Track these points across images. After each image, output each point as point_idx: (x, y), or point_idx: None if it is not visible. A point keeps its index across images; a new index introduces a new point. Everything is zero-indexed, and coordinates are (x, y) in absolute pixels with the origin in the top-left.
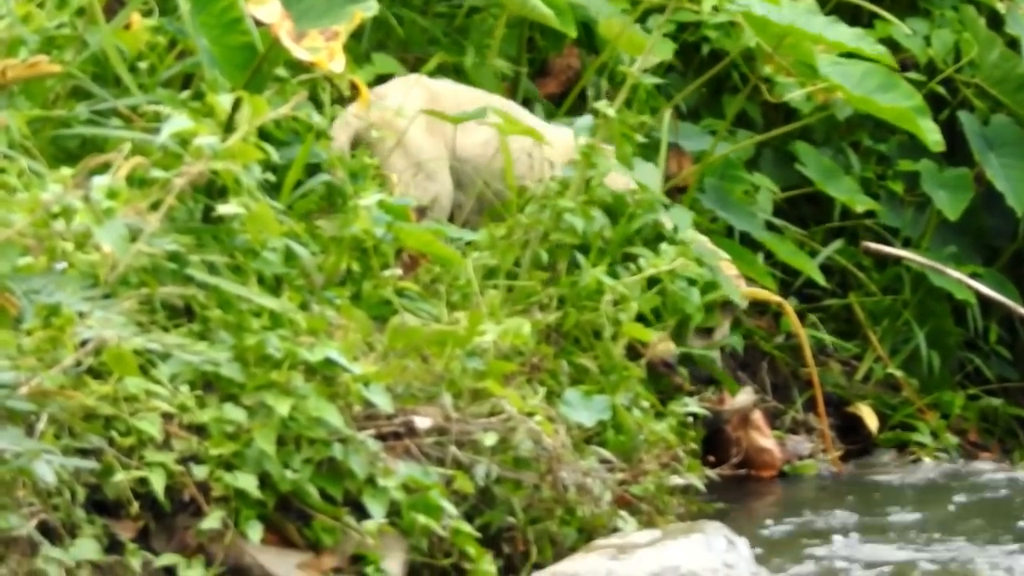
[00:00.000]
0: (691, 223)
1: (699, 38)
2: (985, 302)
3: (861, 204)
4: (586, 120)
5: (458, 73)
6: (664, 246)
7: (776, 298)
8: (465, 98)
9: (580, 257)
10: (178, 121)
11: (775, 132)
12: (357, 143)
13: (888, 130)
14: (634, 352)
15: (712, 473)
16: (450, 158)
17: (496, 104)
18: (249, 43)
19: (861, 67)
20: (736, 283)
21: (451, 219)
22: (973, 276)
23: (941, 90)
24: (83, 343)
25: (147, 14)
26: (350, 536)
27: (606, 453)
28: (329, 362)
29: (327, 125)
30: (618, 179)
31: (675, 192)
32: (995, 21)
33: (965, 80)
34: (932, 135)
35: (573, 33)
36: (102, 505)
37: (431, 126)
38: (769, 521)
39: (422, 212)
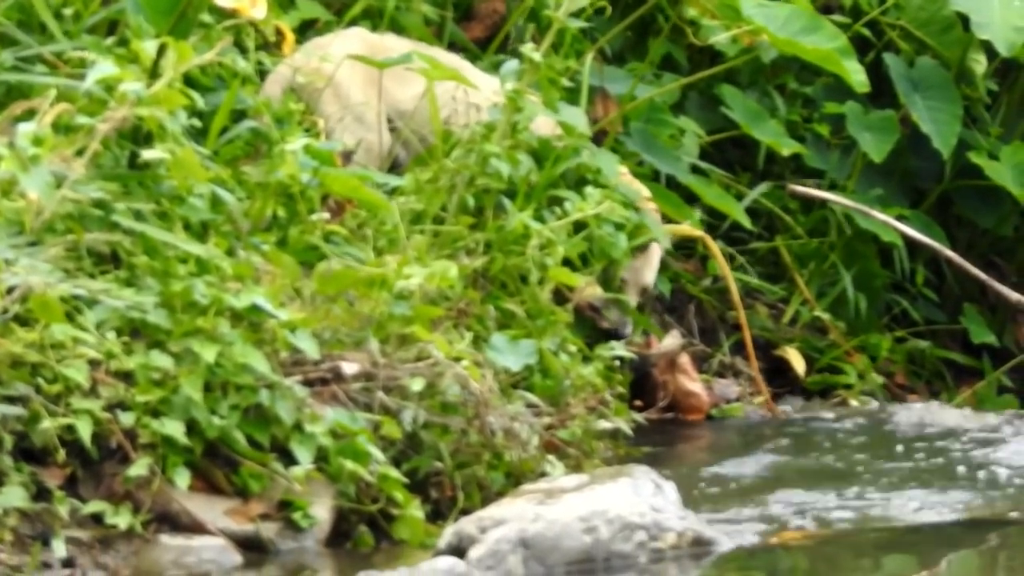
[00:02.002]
0: (617, 167)
1: None
2: (912, 244)
3: (787, 147)
4: (512, 65)
5: (381, 18)
6: (589, 189)
7: (699, 233)
8: (397, 45)
9: (506, 202)
10: (103, 67)
11: (700, 75)
12: (296, 90)
13: (814, 72)
14: (561, 296)
15: (639, 417)
16: (387, 109)
17: (433, 56)
18: None
19: (785, 9)
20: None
21: (380, 167)
22: (899, 218)
23: (866, 32)
24: (9, 290)
25: None
26: (277, 482)
27: (533, 398)
28: (255, 308)
29: (252, 71)
30: (545, 124)
31: (601, 136)
32: None
33: (890, 22)
34: (857, 76)
35: None
36: (29, 453)
37: (366, 76)
38: (697, 464)
39: (348, 157)
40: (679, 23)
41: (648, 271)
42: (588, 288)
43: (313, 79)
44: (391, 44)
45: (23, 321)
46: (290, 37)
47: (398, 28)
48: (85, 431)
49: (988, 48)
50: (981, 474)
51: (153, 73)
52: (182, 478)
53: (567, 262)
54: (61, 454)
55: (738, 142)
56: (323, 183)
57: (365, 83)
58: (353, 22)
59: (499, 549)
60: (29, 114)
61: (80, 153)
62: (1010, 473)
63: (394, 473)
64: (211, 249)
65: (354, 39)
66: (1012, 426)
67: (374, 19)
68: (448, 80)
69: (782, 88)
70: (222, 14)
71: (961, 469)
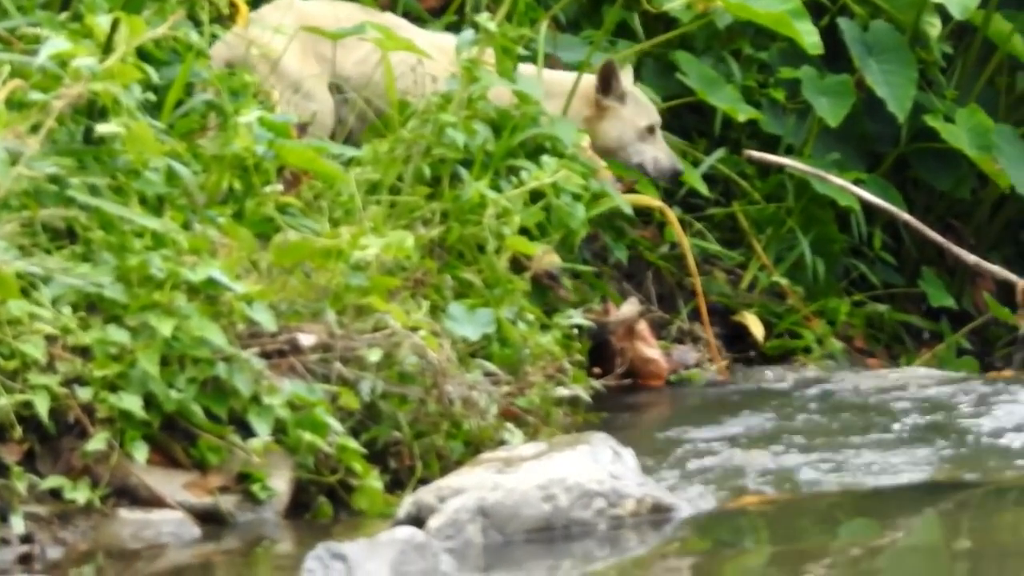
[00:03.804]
0: (575, 136)
1: None
2: (869, 208)
3: (743, 113)
4: (467, 34)
5: None
6: (546, 159)
7: (657, 203)
8: (343, 14)
9: (463, 171)
10: (56, 43)
11: (655, 41)
12: (235, 65)
13: (769, 37)
14: (518, 265)
15: (598, 384)
16: (331, 76)
17: (376, 19)
18: None
19: None
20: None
21: (334, 137)
22: (856, 182)
23: None
24: None
25: None
26: (236, 455)
27: (491, 366)
28: (212, 281)
29: (206, 44)
30: (503, 93)
31: None
32: None
33: None
34: (810, 38)
35: None
36: None
37: (305, 47)
38: (656, 431)
39: (303, 129)
40: None
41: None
42: (545, 256)
43: (264, 49)
44: (326, 10)
45: None
46: (244, 9)
47: None
48: (42, 406)
49: (942, 11)
50: (940, 437)
51: (107, 48)
52: (140, 452)
53: (524, 231)
54: (18, 430)
55: (694, 108)
56: (278, 155)
57: (303, 53)
58: None
59: (458, 518)
60: None
61: (35, 129)
62: (971, 436)
63: (352, 444)
64: (167, 223)
65: (287, 11)
66: (969, 387)
67: None
68: (402, 50)
69: (737, 54)
70: None
71: (921, 432)
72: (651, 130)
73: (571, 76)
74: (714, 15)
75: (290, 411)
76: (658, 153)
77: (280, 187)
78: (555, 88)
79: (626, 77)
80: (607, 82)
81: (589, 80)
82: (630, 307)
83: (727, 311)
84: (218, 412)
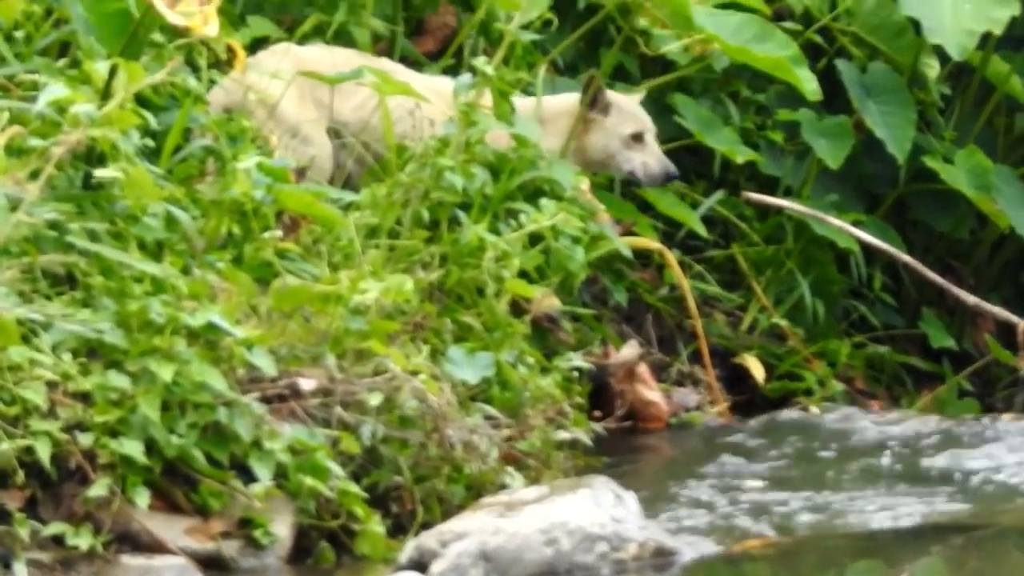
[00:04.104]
0: (574, 179)
1: None
2: (868, 249)
3: (741, 155)
4: (465, 78)
5: (338, 36)
6: (545, 201)
7: (656, 245)
8: (340, 60)
9: (461, 215)
10: (55, 89)
11: (652, 83)
12: (233, 110)
13: (766, 80)
14: (518, 309)
15: (598, 427)
16: (328, 121)
17: (372, 64)
18: (124, 9)
19: (736, 17)
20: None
21: (332, 182)
22: (855, 224)
23: (818, 39)
24: None
25: None
26: (237, 500)
27: (492, 410)
28: (212, 326)
29: (204, 89)
30: (500, 136)
31: None
32: None
33: (842, 28)
34: (809, 84)
35: None
36: None
37: (303, 92)
38: (657, 474)
39: (301, 174)
40: (630, 33)
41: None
42: (545, 300)
43: (262, 95)
44: (322, 55)
45: None
46: (241, 55)
47: (349, 43)
48: (44, 452)
49: (940, 52)
50: (941, 478)
51: (105, 94)
52: (142, 498)
53: (524, 275)
54: (20, 476)
55: (692, 150)
56: (277, 200)
57: (300, 98)
58: (305, 39)
59: (460, 563)
60: None
61: (34, 175)
62: (971, 478)
63: (354, 488)
64: (166, 268)
65: (284, 56)
66: (968, 429)
67: (325, 35)
68: (399, 94)
69: (735, 96)
70: (174, 33)
71: (922, 473)
72: (638, 137)
73: (563, 99)
74: (711, 58)
75: (291, 456)
76: (647, 159)
77: (279, 232)
78: (549, 112)
79: (629, 97)
80: (592, 96)
81: (572, 98)
82: (630, 350)
83: (727, 353)
84: (219, 457)
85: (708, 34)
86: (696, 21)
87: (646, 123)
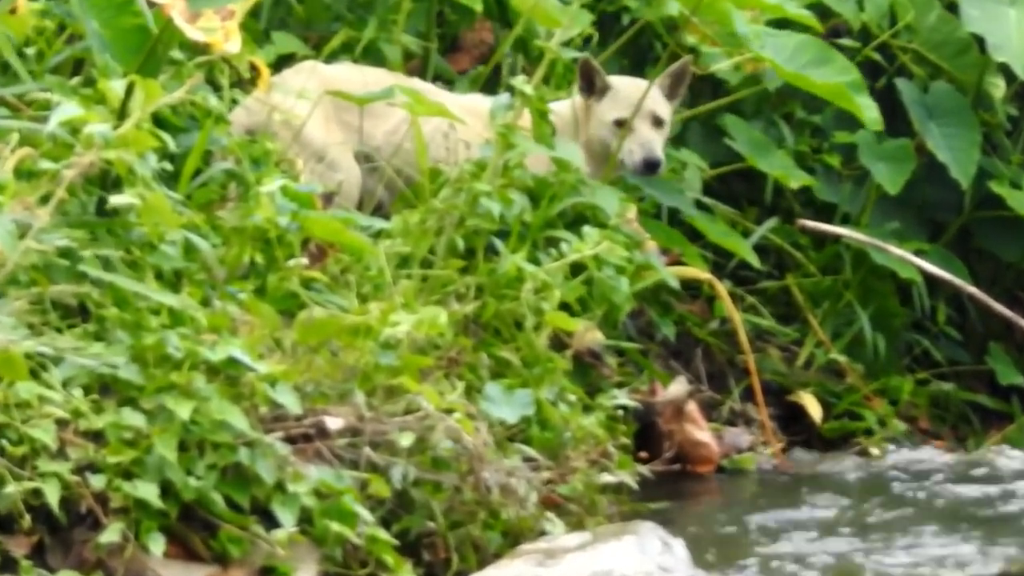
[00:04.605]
0: (618, 205)
1: (618, 7)
2: (931, 280)
3: (796, 179)
4: (503, 98)
5: (368, 54)
6: (587, 229)
7: (706, 275)
8: (371, 80)
9: (498, 243)
10: (68, 108)
11: (702, 106)
12: (255, 131)
13: (822, 100)
14: (559, 343)
15: (645, 470)
16: (357, 145)
17: (403, 83)
18: (141, 25)
19: (793, 40)
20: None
21: (361, 208)
22: (917, 253)
23: (877, 57)
24: None
25: None
26: (259, 546)
27: (531, 451)
28: (232, 361)
29: (226, 109)
30: (540, 160)
31: None
32: None
33: (902, 45)
34: (869, 112)
35: (479, 7)
36: None
37: (329, 114)
38: (707, 520)
39: (328, 199)
40: (677, 50)
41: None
42: (588, 333)
43: (287, 115)
44: (350, 74)
45: None
46: (265, 73)
47: (379, 61)
48: (53, 495)
49: (1006, 71)
50: (1011, 526)
51: (121, 114)
52: (157, 544)
53: (565, 307)
54: (27, 520)
55: (744, 175)
56: (303, 227)
57: (326, 121)
58: (332, 56)
59: None
60: None
61: (45, 200)
62: None
63: (383, 534)
64: (185, 299)
65: (310, 75)
66: None
67: (354, 52)
68: (433, 115)
69: (789, 117)
70: (194, 50)
71: (991, 521)
72: (625, 123)
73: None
74: (764, 78)
75: (316, 500)
76: (632, 145)
77: (305, 261)
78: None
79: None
80: (588, 81)
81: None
82: (678, 387)
83: (782, 391)
84: (240, 501)
85: (763, 57)
86: (751, 44)
87: (643, 107)
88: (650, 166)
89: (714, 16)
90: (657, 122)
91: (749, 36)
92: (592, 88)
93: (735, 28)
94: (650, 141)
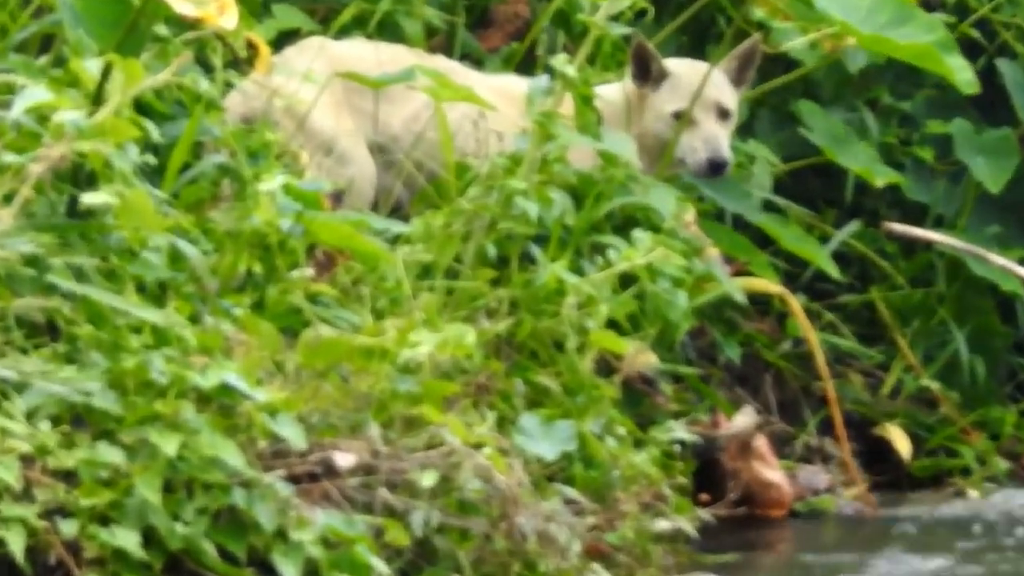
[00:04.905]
0: (676, 206)
1: None
2: None
3: (881, 176)
4: (541, 81)
5: (384, 29)
6: (639, 234)
7: (777, 288)
8: (387, 58)
9: (536, 250)
10: (35, 93)
11: (771, 86)
12: (253, 120)
13: (912, 84)
14: (606, 367)
15: (706, 514)
16: (371, 135)
17: (425, 63)
18: None
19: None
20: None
21: (376, 209)
22: (1022, 262)
23: (975, 34)
24: None
25: None
26: None
27: (573, 492)
28: (226, 388)
29: (219, 94)
30: (584, 153)
31: None
32: None
33: (1004, 21)
34: (962, 75)
35: None
36: None
37: (339, 100)
38: (779, 573)
39: (338, 199)
40: (744, 26)
41: None
42: (639, 356)
43: (290, 100)
44: (364, 52)
45: None
46: (265, 51)
47: (397, 37)
48: (17, 543)
49: None
50: None
51: (96, 99)
52: None
53: (613, 325)
54: None
55: (820, 171)
56: (308, 231)
57: (336, 107)
58: (343, 32)
59: None
60: None
61: (8, 199)
62: None
63: None
64: (171, 315)
65: (317, 54)
66: None
67: (367, 27)
68: (460, 100)
69: (874, 103)
70: (182, 25)
71: None
72: (686, 115)
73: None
74: (844, 56)
75: (324, 549)
76: (694, 142)
77: (311, 271)
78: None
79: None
80: (641, 66)
81: None
82: (745, 418)
83: (865, 422)
84: (235, 550)
85: (838, 23)
86: (818, 5)
87: (706, 96)
88: (716, 167)
89: None
90: (723, 114)
91: (832, 8)
92: (646, 74)
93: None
94: (715, 137)
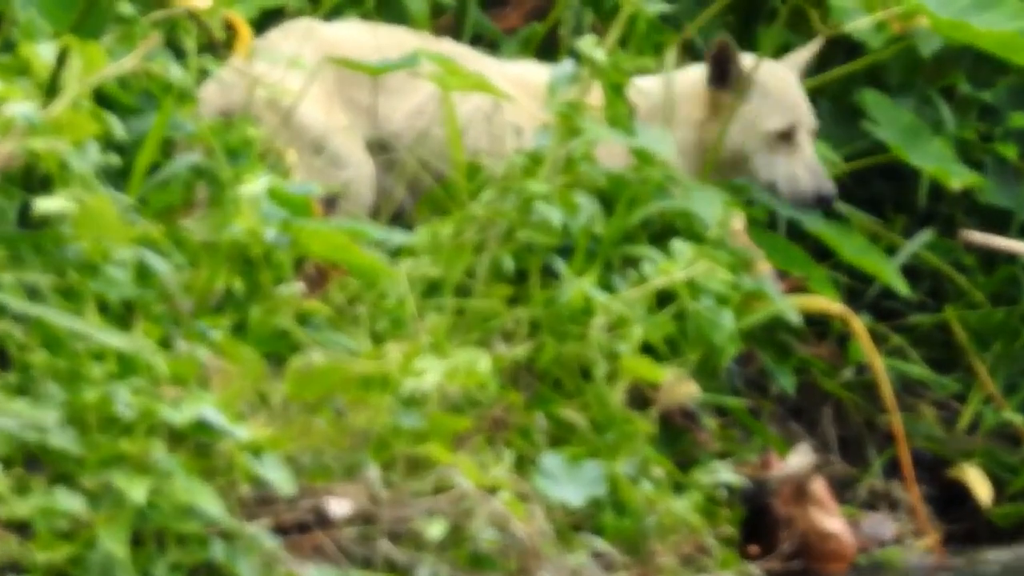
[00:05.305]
0: (720, 211)
1: None
2: None
3: (958, 178)
4: (565, 67)
5: (383, 8)
6: (678, 244)
7: (837, 307)
8: (387, 43)
9: (559, 263)
10: None
11: (832, 74)
12: (232, 114)
13: (994, 69)
14: (640, 398)
15: (756, 569)
16: (369, 130)
17: (431, 47)
18: None
19: None
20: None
21: (374, 215)
22: None
23: None
24: None
25: None
26: None
27: (603, 544)
28: (202, 424)
29: (193, 83)
30: (614, 151)
31: None
32: None
33: None
34: None
35: None
36: None
37: (331, 91)
38: None
39: (331, 205)
40: (801, 4)
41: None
42: (679, 385)
43: (273, 91)
44: (360, 36)
45: None
46: (245, 33)
47: (398, 16)
48: None
49: None
50: None
51: (51, 89)
52: None
53: (648, 349)
54: None
55: (888, 171)
56: (297, 241)
57: (327, 100)
58: (336, 12)
59: None
60: None
61: None
62: None
63: None
64: (138, 340)
65: (305, 38)
66: None
67: (364, 5)
68: (471, 90)
69: (950, 92)
70: (149, 3)
71: None
72: (786, 136)
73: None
74: (916, 39)
75: None
76: (796, 168)
77: (300, 287)
78: (684, 94)
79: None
80: (722, 70)
81: (698, 73)
82: (800, 458)
83: (938, 463)
84: None
85: (910, 3)
86: None
87: (802, 114)
88: (824, 201)
89: None
90: (814, 134)
91: None
92: (725, 77)
93: None
94: (817, 164)
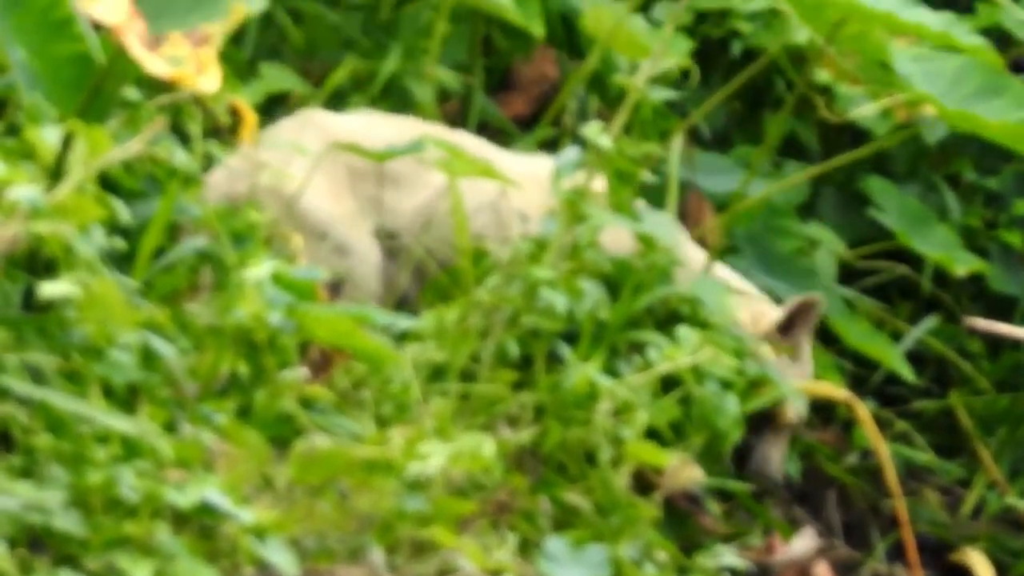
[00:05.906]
0: (724, 298)
1: (727, 33)
2: None
3: (963, 264)
4: (570, 153)
5: (389, 94)
6: (683, 330)
7: (842, 393)
8: (388, 133)
9: (564, 349)
10: None
11: (837, 161)
12: (238, 199)
13: (999, 157)
14: (644, 483)
15: None
16: (376, 219)
17: (438, 136)
18: (83, 54)
19: (953, 63)
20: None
21: (379, 301)
22: None
23: None
24: None
25: None
26: None
27: None
28: (206, 506)
29: (198, 167)
30: (620, 236)
31: None
32: None
33: None
34: None
35: (539, 30)
36: None
37: (336, 179)
38: None
39: (336, 290)
40: (806, 91)
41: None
42: (683, 470)
43: (278, 177)
44: (362, 126)
45: None
46: (251, 119)
47: (403, 101)
48: None
49: None
50: None
51: (56, 173)
52: None
53: (653, 434)
54: None
55: (893, 257)
56: (301, 326)
57: (336, 191)
58: (339, 97)
59: None
60: None
61: None
62: None
63: None
64: (142, 423)
65: (306, 127)
66: None
67: (371, 91)
68: (477, 176)
69: (955, 180)
70: (154, 87)
71: None
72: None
73: None
74: (922, 127)
75: None
76: (771, 450)
77: (304, 372)
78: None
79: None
80: (792, 321)
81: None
82: (805, 542)
83: (942, 547)
84: None
85: (916, 93)
86: (899, 71)
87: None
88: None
89: (857, 46)
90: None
91: (911, 74)
92: (790, 328)
93: (889, 62)
94: (783, 453)
